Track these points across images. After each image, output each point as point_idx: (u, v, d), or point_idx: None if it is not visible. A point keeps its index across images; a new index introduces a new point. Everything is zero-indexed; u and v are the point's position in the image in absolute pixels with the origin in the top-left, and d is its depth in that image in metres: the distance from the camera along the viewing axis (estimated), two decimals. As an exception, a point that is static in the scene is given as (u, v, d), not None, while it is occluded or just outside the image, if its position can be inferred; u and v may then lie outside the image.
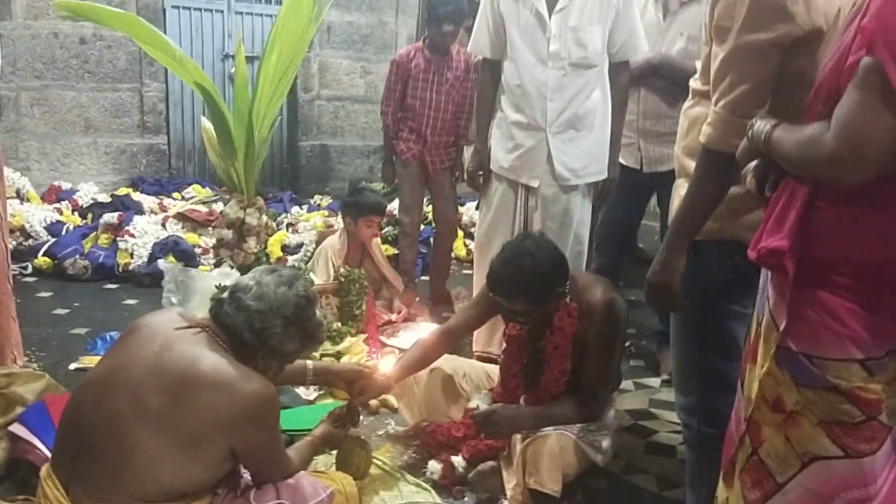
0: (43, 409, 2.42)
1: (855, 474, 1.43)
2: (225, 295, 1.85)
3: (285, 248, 5.13)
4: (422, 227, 5.11)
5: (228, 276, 3.29)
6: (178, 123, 6.49)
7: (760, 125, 1.49)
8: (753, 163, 1.54)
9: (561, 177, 2.95)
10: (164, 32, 4.60)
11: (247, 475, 1.88)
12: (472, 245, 4.85)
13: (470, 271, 4.67)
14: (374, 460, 2.44)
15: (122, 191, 5.79)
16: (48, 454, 2.21)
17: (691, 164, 1.83)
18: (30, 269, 4.64)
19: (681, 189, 1.90)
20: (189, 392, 1.67)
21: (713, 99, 1.71)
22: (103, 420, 1.69)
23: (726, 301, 1.88)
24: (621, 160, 3.19)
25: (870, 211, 1.34)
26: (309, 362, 2.36)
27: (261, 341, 1.79)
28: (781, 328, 1.45)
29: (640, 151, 3.26)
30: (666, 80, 3.11)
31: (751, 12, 1.61)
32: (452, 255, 5.24)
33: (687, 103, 1.96)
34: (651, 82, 3.16)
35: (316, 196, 6.47)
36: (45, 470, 1.80)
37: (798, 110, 1.55)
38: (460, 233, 5.29)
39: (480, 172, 3.14)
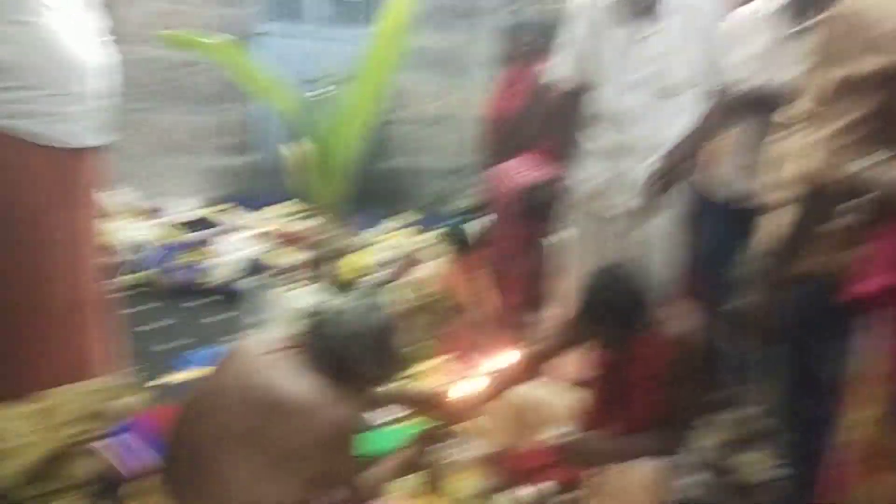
0: (133, 425, 2.51)
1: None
2: (313, 321, 1.88)
3: (366, 267, 5.21)
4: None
5: (312, 296, 3.35)
6: (266, 143, 6.67)
7: (867, 161, 1.43)
8: (859, 199, 1.49)
9: (639, 203, 2.89)
10: (253, 57, 4.76)
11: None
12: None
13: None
14: (455, 486, 2.42)
15: (217, 207, 6.00)
16: (137, 468, 2.30)
17: (785, 196, 1.77)
18: (121, 284, 4.82)
19: (770, 222, 1.84)
20: (275, 415, 1.71)
21: (821, 127, 1.65)
22: (200, 442, 1.75)
23: (824, 338, 1.81)
24: (710, 192, 3.09)
25: None
26: (392, 386, 2.37)
27: (346, 367, 1.82)
28: (887, 370, 1.39)
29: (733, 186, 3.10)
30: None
31: (856, 43, 1.55)
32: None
33: (778, 134, 1.90)
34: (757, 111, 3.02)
35: (397, 216, 6.55)
36: (151, 485, 1.87)
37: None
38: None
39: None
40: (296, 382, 1.76)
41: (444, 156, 7.21)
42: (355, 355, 1.83)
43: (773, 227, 1.82)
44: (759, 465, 2.74)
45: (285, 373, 1.78)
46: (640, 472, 2.27)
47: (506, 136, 4.12)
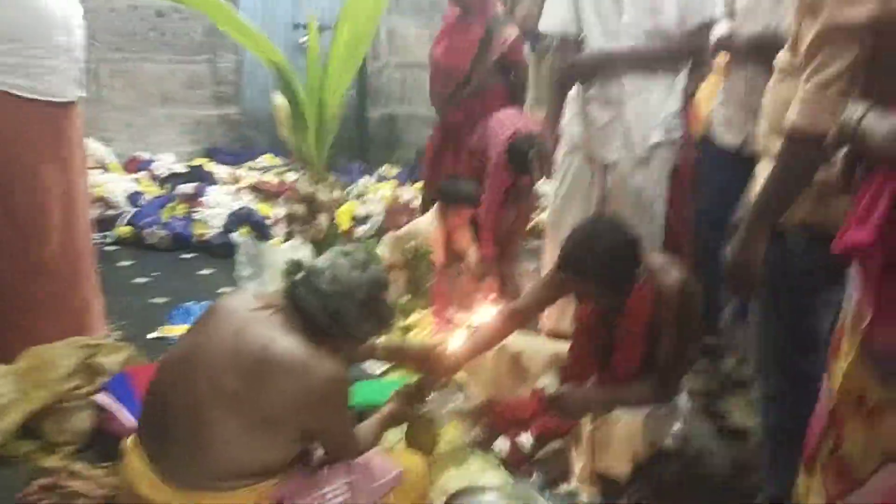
0: (125, 380, 2.53)
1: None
2: (299, 277, 1.87)
3: (354, 219, 5.20)
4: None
5: (299, 249, 3.35)
6: (250, 94, 6.58)
7: (850, 111, 1.42)
8: (843, 150, 1.48)
9: (638, 150, 2.87)
10: (237, 4, 4.66)
11: (318, 453, 1.92)
12: (538, 218, 4.83)
13: (531, 245, 4.64)
14: (442, 437, 2.46)
15: (198, 161, 5.94)
16: (129, 424, 2.32)
17: (776, 145, 1.76)
18: (111, 239, 4.82)
19: (763, 170, 1.84)
20: (263, 374, 1.71)
21: (803, 77, 1.64)
22: (182, 399, 1.75)
23: (811, 290, 1.83)
24: (718, 139, 3.08)
25: None
26: (379, 340, 2.38)
27: (334, 324, 1.82)
28: (868, 321, 1.40)
29: (742, 133, 3.07)
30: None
31: None
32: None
33: (773, 79, 1.88)
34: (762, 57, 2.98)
35: (385, 165, 6.50)
36: (130, 441, 1.87)
37: (892, 89, 1.48)
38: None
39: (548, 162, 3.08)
40: (285, 340, 1.76)
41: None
42: (344, 312, 1.82)
43: (764, 174, 1.82)
44: (746, 411, 2.80)
45: (273, 330, 1.77)
46: (627, 421, 2.31)
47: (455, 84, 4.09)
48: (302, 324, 1.82)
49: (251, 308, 1.84)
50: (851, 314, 1.48)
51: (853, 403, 1.47)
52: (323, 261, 1.90)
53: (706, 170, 3.31)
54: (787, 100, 1.71)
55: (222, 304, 1.90)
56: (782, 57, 1.82)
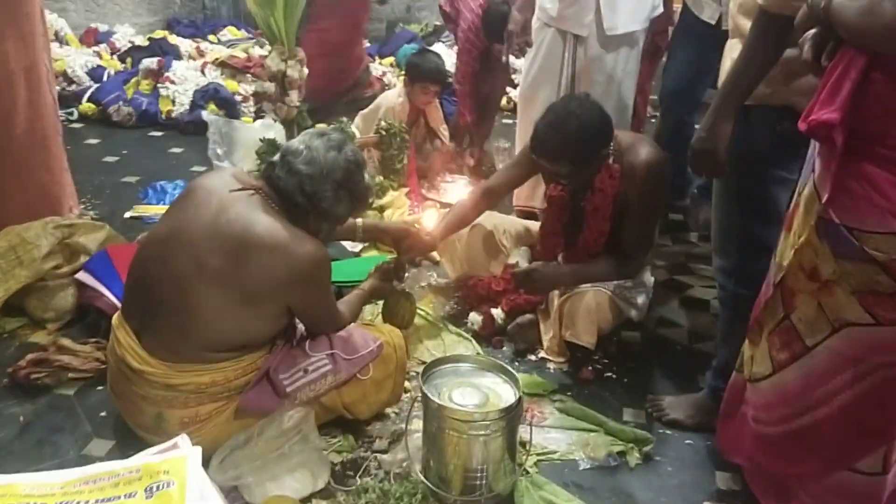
0: (106, 258, 2.56)
1: (884, 341, 1.50)
2: (276, 158, 1.89)
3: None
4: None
5: (271, 128, 3.33)
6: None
7: None
8: (812, 30, 1.50)
9: (609, 27, 2.86)
10: None
11: (302, 327, 2.01)
12: (512, 93, 4.80)
13: (509, 121, 4.64)
14: (419, 311, 2.56)
15: (159, 33, 5.74)
16: (114, 300, 2.38)
17: (746, 24, 1.78)
18: (76, 115, 4.71)
19: (734, 50, 1.86)
20: (246, 254, 1.75)
21: None
22: (168, 278, 1.80)
23: (772, 166, 1.88)
24: (697, 12, 3.06)
25: None
26: (358, 220, 2.43)
27: (312, 204, 1.85)
28: (824, 199, 1.47)
29: (720, 5, 3.02)
30: None
31: None
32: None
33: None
34: None
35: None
36: (116, 319, 1.93)
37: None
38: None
39: (521, 38, 3.03)
40: (265, 220, 1.79)
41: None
42: (321, 192, 1.85)
43: (733, 54, 1.84)
44: (704, 283, 2.94)
45: (254, 211, 1.80)
46: (593, 294, 2.42)
47: None
48: (280, 204, 1.85)
49: (230, 189, 1.85)
50: (807, 192, 1.55)
51: (806, 276, 1.57)
52: (299, 142, 1.91)
53: (681, 41, 3.32)
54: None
55: (201, 184, 1.91)
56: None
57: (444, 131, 3.92)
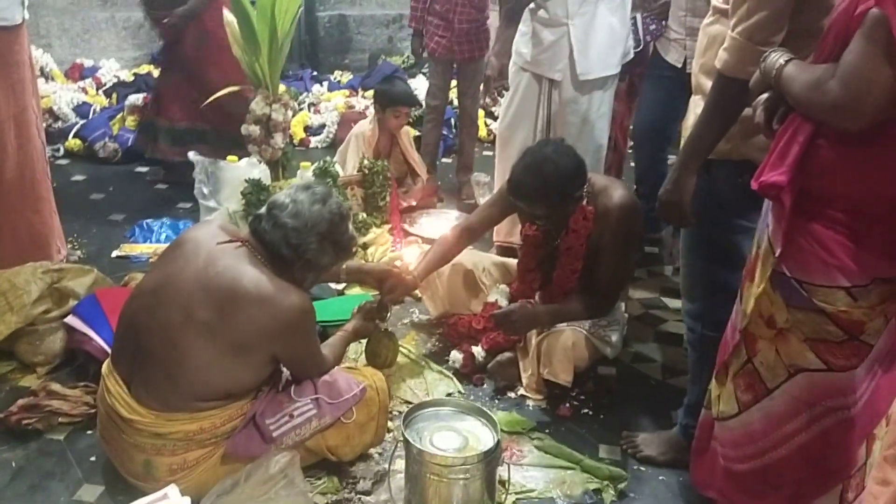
0: (94, 302, 2.61)
1: (836, 385, 1.60)
2: (262, 211, 1.96)
3: (308, 129, 5.22)
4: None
5: (256, 167, 3.40)
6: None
7: (773, 59, 1.54)
8: (765, 95, 1.60)
9: (582, 72, 2.97)
10: None
11: (287, 373, 2.07)
12: (493, 125, 4.92)
13: (490, 152, 4.75)
14: (401, 350, 2.63)
15: (144, 68, 5.81)
16: (102, 344, 2.44)
17: (707, 83, 1.88)
18: (62, 152, 4.76)
19: (697, 107, 1.95)
20: (233, 306, 1.82)
21: (731, 23, 1.74)
22: (157, 328, 1.86)
23: (735, 217, 1.97)
24: (663, 54, 3.18)
25: (866, 151, 1.42)
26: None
27: (297, 256, 1.92)
28: (777, 254, 1.57)
29: (685, 49, 3.15)
30: None
31: None
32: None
33: (707, 20, 1.97)
34: None
35: (336, 72, 6.43)
36: (106, 367, 1.99)
37: (815, 34, 1.59)
38: (481, 113, 5.31)
39: (499, 82, 3.14)
40: (252, 273, 1.86)
41: (387, 2, 7.01)
42: (306, 245, 1.91)
43: (697, 111, 1.94)
44: (677, 318, 3.02)
45: (241, 264, 1.87)
46: (570, 332, 2.50)
47: None
48: (266, 256, 1.92)
49: (218, 241, 1.93)
50: (763, 244, 1.65)
51: (765, 324, 1.67)
52: (284, 195, 1.98)
53: (651, 81, 3.44)
54: (719, 40, 1.81)
55: (190, 237, 1.98)
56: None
57: (415, 160, 4.03)
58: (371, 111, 4.17)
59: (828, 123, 1.44)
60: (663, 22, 3.17)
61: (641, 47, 3.22)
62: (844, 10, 1.41)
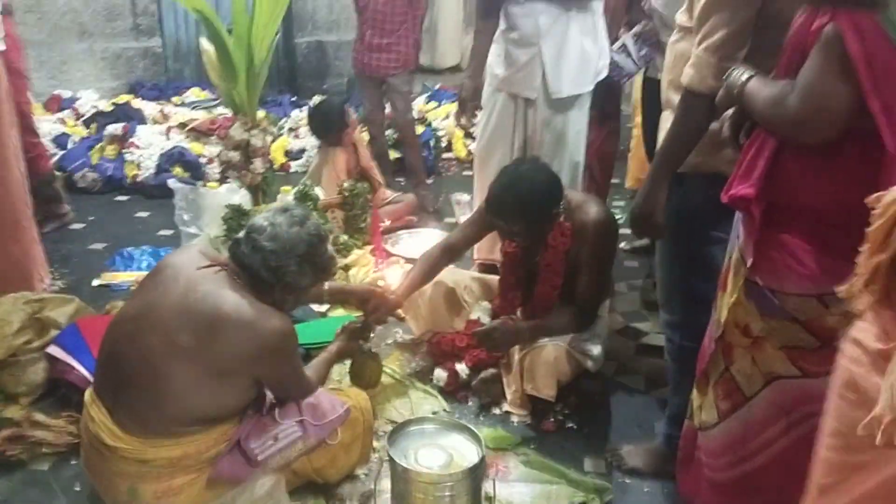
0: (76, 331, 2.61)
1: (812, 392, 1.62)
2: (241, 235, 1.97)
3: (288, 154, 5.24)
4: (422, 129, 5.20)
5: (236, 192, 3.41)
6: (171, 25, 6.43)
7: (736, 75, 1.59)
8: (731, 110, 1.65)
9: (555, 91, 3.01)
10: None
11: (271, 396, 2.08)
12: (471, 146, 4.97)
13: (469, 172, 4.79)
14: (385, 370, 2.64)
15: (122, 98, 5.82)
16: (85, 373, 2.43)
17: (676, 98, 1.92)
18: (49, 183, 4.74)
19: (666, 122, 2.00)
20: (215, 331, 1.82)
21: (696, 40, 1.78)
22: (138, 356, 1.86)
23: (708, 228, 2.01)
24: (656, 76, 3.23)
25: (828, 163, 1.46)
26: (325, 283, 2.51)
27: (276, 278, 1.93)
28: (749, 265, 1.61)
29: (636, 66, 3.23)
30: None
31: None
32: (452, 155, 5.37)
33: (673, 37, 2.02)
34: None
35: (315, 97, 6.46)
36: (88, 396, 1.99)
37: (777, 50, 1.64)
38: (460, 133, 5.36)
39: (473, 103, 3.19)
40: (232, 298, 1.86)
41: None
42: (285, 267, 1.91)
43: (667, 125, 1.98)
44: (659, 329, 3.05)
45: (221, 289, 1.87)
46: (552, 348, 2.52)
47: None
48: (246, 280, 1.92)
49: (197, 266, 1.93)
50: (734, 257, 1.68)
51: (740, 333, 1.70)
52: (262, 218, 1.99)
53: (655, 105, 3.47)
54: (685, 56, 1.86)
55: (169, 262, 1.99)
56: (680, 16, 1.95)
57: (375, 169, 4.12)
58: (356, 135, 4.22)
59: (790, 138, 1.48)
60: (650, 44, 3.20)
61: (635, 71, 3.24)
62: (801, 26, 1.46)
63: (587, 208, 2.52)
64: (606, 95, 3.38)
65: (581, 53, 2.98)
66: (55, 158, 4.79)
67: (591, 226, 2.48)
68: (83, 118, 5.40)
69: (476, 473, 1.88)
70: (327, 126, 3.94)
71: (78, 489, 2.17)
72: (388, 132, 4.88)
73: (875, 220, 1.11)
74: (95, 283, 3.46)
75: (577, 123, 3.12)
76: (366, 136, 4.56)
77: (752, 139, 1.59)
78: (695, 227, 2.02)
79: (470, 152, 5.10)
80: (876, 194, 1.14)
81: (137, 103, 5.63)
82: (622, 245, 3.73)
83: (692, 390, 1.94)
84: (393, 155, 4.81)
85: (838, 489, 1.20)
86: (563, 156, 3.08)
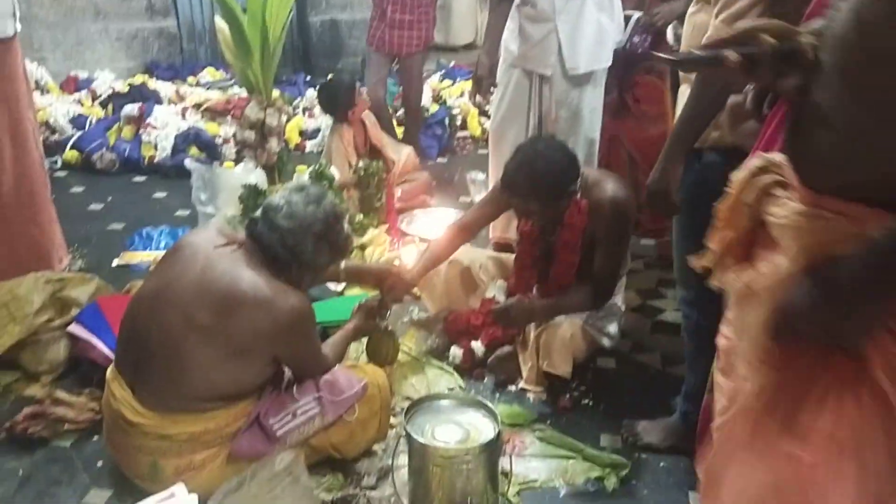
0: (97, 310, 2.64)
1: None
2: (258, 214, 1.98)
3: (303, 134, 5.25)
4: (436, 107, 5.19)
5: (252, 172, 3.43)
6: (186, 5, 6.42)
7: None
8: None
9: (571, 67, 2.99)
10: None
11: (289, 373, 2.10)
12: (486, 124, 4.94)
13: (484, 150, 4.77)
14: (402, 348, 2.65)
15: (138, 78, 5.84)
16: (106, 351, 2.46)
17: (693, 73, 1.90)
18: (59, 164, 4.80)
19: (683, 97, 1.98)
20: (232, 309, 1.85)
21: (714, 11, 1.76)
22: (158, 333, 1.89)
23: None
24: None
25: None
26: (341, 262, 2.52)
27: (293, 257, 1.95)
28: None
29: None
30: None
31: None
32: (467, 133, 5.34)
33: (691, 9, 1.99)
34: None
35: (329, 76, 6.46)
36: (110, 372, 2.02)
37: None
38: (475, 111, 5.34)
39: (489, 81, 3.17)
40: (249, 276, 1.88)
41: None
42: (301, 246, 1.94)
43: (684, 100, 1.97)
44: (675, 307, 3.04)
45: (238, 267, 1.90)
46: (568, 325, 2.52)
47: None
48: (263, 258, 1.94)
49: (215, 244, 1.95)
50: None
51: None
52: (279, 197, 2.01)
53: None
54: (703, 28, 1.83)
55: (188, 241, 2.01)
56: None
57: (389, 147, 4.11)
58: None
59: None
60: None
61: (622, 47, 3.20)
62: None
63: (604, 186, 2.50)
64: (625, 85, 3.31)
65: (598, 29, 2.95)
66: (73, 139, 4.83)
67: (607, 203, 2.46)
68: (100, 99, 5.42)
69: (492, 449, 1.89)
70: (334, 102, 3.92)
71: (100, 465, 2.20)
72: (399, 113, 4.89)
73: (724, 197, 1.12)
74: (115, 263, 3.49)
75: (593, 100, 3.09)
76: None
77: (774, 110, 1.57)
78: (712, 201, 2.00)
79: (485, 130, 5.08)
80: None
81: (153, 84, 5.65)
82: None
83: (709, 367, 1.94)
84: (400, 134, 4.79)
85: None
86: (579, 133, 3.06)
